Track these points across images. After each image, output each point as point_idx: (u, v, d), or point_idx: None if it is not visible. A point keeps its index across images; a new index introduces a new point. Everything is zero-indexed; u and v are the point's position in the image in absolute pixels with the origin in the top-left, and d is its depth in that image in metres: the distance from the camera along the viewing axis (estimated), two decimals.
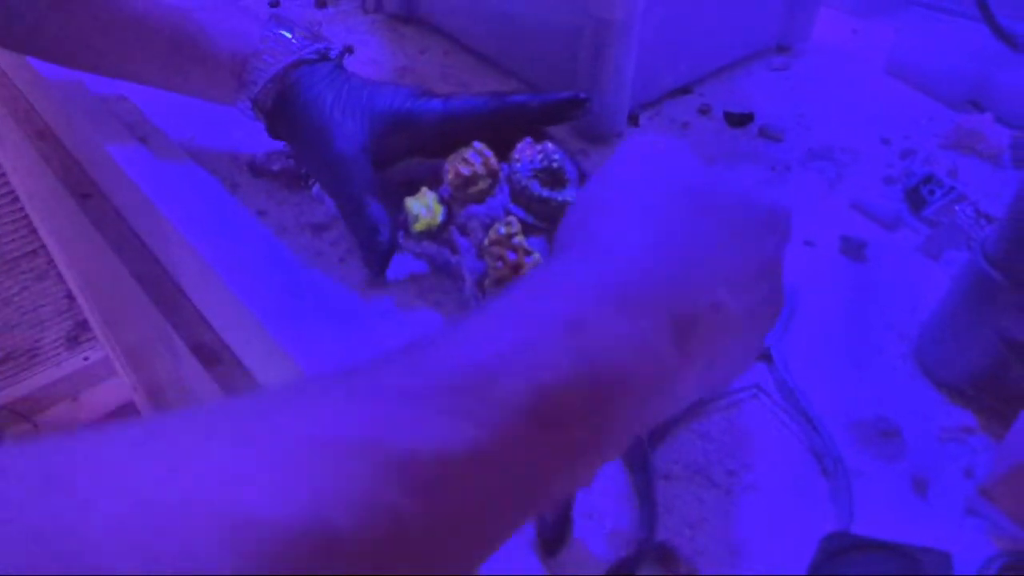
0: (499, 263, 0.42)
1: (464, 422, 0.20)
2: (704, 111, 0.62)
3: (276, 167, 0.52)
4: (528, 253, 0.42)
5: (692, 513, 0.35)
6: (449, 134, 0.46)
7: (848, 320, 0.45)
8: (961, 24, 0.72)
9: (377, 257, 0.44)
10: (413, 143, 0.47)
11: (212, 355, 0.49)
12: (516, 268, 0.42)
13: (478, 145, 0.45)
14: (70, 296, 1.70)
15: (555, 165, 0.44)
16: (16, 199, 1.49)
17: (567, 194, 0.44)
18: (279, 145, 0.53)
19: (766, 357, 0.42)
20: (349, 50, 0.62)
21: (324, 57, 0.47)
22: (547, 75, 0.60)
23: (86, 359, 1.83)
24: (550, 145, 0.45)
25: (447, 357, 0.21)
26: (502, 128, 0.46)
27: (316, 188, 0.51)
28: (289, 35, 0.47)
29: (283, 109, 0.47)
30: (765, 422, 0.40)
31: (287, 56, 0.46)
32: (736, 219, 0.29)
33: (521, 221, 0.43)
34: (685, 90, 0.64)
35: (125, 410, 1.82)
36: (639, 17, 0.53)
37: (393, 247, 0.45)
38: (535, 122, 0.47)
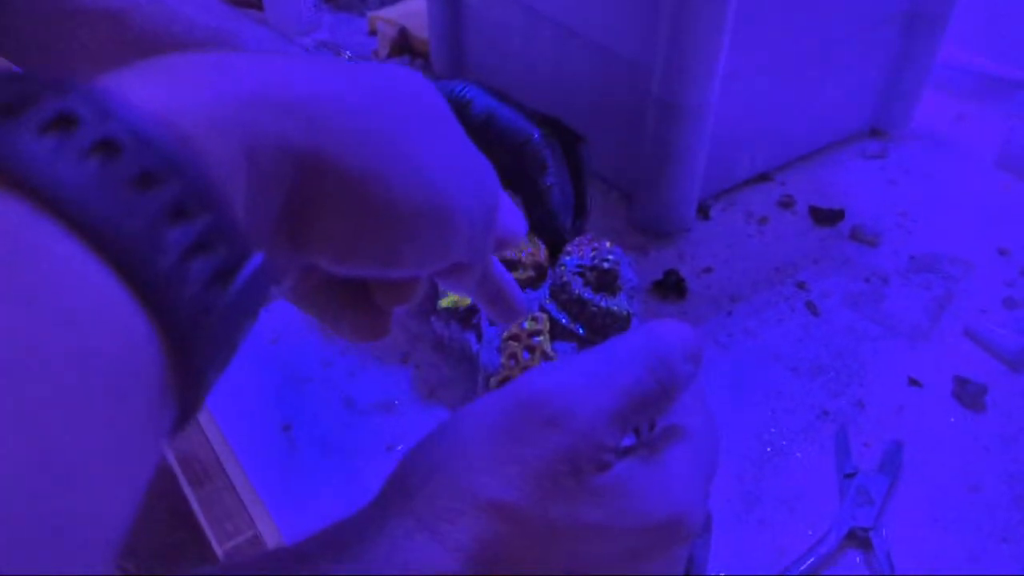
0: (511, 360, 0.37)
1: None
2: (786, 203, 0.54)
3: None
4: (547, 357, 0.37)
5: None
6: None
7: (963, 491, 0.36)
8: None
9: None
10: None
11: None
12: (527, 370, 0.36)
13: (535, 240, 0.41)
14: None
15: (606, 265, 0.39)
16: None
17: (616, 302, 0.38)
18: None
19: (864, 543, 0.33)
20: None
21: None
22: (603, 154, 0.54)
23: None
24: (608, 244, 0.40)
25: None
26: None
27: None
28: (340, 55, 0.46)
29: None
30: None
31: None
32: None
33: (553, 320, 0.38)
34: (764, 177, 0.56)
35: None
36: (715, 103, 0.45)
37: None
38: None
